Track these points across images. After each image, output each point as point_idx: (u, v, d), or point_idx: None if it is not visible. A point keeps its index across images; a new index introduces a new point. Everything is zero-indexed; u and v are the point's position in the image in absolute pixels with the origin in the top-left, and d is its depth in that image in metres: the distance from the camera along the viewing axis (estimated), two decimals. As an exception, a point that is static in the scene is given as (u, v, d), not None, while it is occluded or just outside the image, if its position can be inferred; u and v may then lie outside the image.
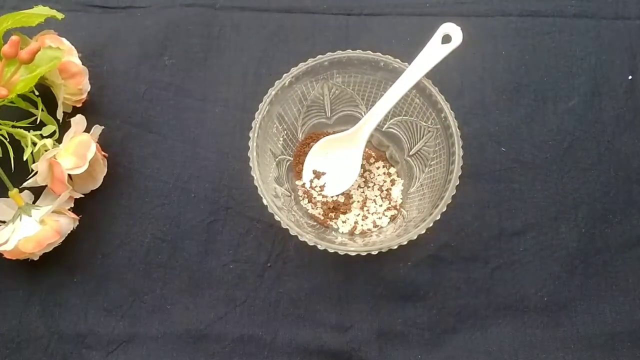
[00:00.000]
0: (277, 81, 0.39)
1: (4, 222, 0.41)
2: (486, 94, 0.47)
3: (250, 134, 0.37)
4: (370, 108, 0.40)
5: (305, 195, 0.43)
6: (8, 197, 0.41)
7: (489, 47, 0.48)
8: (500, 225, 0.44)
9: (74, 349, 0.41)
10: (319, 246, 0.35)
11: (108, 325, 0.42)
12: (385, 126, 0.43)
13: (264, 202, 0.36)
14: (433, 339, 0.42)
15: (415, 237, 0.35)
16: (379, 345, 0.41)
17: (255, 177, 0.36)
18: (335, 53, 0.39)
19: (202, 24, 0.49)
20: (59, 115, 0.43)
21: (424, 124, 0.40)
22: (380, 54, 0.39)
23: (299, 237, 0.35)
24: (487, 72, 0.48)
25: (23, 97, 0.41)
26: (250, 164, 0.36)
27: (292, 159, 0.44)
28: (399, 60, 0.38)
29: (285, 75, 0.39)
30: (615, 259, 0.43)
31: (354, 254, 0.35)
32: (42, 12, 0.42)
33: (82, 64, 0.44)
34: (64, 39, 0.44)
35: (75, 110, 0.45)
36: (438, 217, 0.35)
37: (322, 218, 0.42)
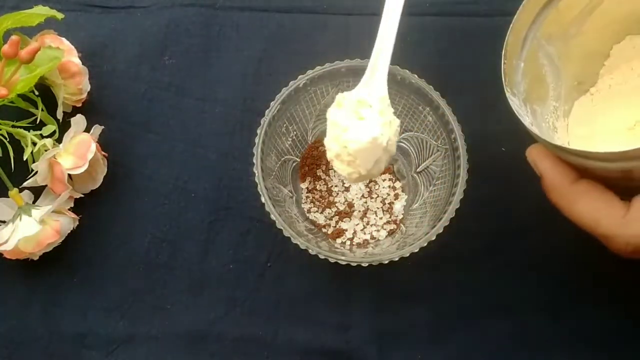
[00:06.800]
0: (291, 81, 0.38)
1: (4, 222, 0.41)
2: (486, 93, 0.47)
3: (258, 131, 0.37)
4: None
5: (308, 200, 0.43)
6: (8, 197, 0.41)
7: (489, 47, 0.48)
8: (500, 225, 0.44)
9: (74, 349, 0.41)
10: (310, 251, 0.35)
11: (108, 325, 0.42)
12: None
13: (262, 199, 0.36)
14: (433, 339, 0.41)
15: (407, 255, 0.35)
16: (379, 345, 0.41)
17: (256, 174, 0.36)
18: (353, 60, 0.39)
19: (202, 24, 0.49)
20: (59, 115, 0.43)
21: (434, 142, 0.40)
22: (398, 67, 0.38)
23: (292, 239, 0.35)
24: (487, 72, 0.47)
25: (23, 97, 0.41)
26: (254, 160, 0.36)
27: (299, 160, 0.44)
28: (416, 76, 0.38)
29: (300, 76, 0.39)
30: (615, 259, 0.43)
31: (344, 262, 0.35)
32: (42, 12, 0.42)
33: (82, 64, 0.44)
34: (64, 39, 0.44)
35: (75, 110, 0.45)
36: (433, 238, 0.36)
37: (322, 223, 0.42)
